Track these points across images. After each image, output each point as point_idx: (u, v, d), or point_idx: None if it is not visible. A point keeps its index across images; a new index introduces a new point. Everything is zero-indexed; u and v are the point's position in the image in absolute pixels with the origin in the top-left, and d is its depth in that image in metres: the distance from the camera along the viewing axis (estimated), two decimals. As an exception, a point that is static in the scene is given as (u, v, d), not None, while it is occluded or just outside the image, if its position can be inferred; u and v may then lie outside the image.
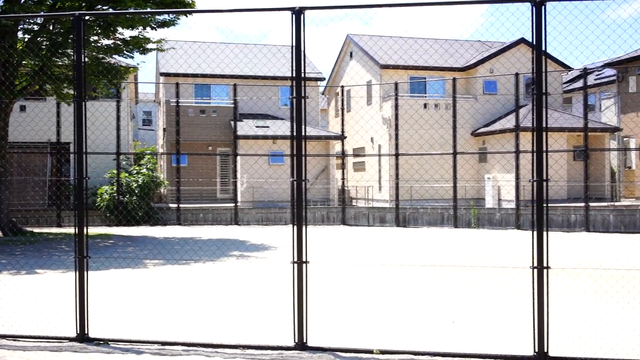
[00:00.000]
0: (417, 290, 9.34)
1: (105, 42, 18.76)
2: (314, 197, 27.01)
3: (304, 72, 6.04)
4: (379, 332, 6.82)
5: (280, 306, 8.06)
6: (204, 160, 28.17)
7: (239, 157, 26.14)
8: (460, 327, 7.04)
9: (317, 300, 8.34)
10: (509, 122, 26.79)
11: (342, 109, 25.85)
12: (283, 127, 27.07)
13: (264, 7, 6.24)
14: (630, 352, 5.96)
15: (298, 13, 5.95)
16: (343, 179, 24.96)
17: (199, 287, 9.84)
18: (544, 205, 5.72)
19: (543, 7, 5.65)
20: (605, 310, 7.95)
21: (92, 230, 20.66)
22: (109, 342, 6.24)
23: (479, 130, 28.83)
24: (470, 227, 22.49)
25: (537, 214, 5.74)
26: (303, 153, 6.01)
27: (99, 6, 17.78)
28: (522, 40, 28.53)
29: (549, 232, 5.80)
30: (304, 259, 5.97)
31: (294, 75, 5.99)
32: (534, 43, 5.75)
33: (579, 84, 33.31)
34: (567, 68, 30.12)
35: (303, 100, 6.01)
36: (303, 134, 6.02)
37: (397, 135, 24.32)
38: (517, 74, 23.52)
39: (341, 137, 25.97)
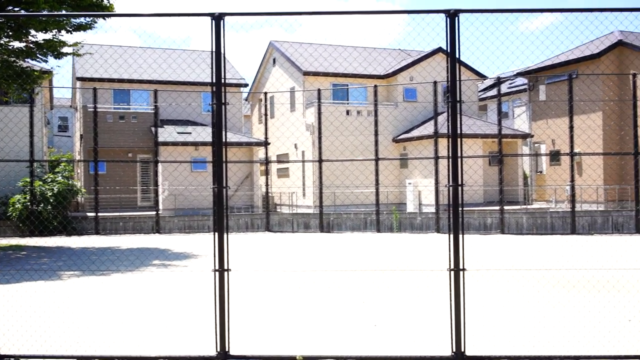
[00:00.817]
0: (340, 295, 9.43)
1: (17, 44, 17.90)
2: (237, 204, 26.78)
3: (225, 78, 6.00)
4: (302, 339, 6.84)
5: (202, 315, 7.94)
6: (123, 167, 27.39)
7: (160, 164, 25.59)
8: (382, 330, 7.16)
9: (239, 308, 8.27)
10: (427, 128, 27.56)
11: (266, 116, 25.78)
12: (204, 134, 26.72)
13: (184, 12, 6.16)
14: (541, 348, 6.24)
15: (218, 19, 5.90)
16: (267, 185, 24.90)
17: (118, 298, 9.54)
18: (460, 209, 5.91)
19: (456, 18, 5.85)
20: (518, 309, 8.29)
21: (3, 242, 19.65)
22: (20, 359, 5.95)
23: (400, 137, 29.49)
24: (392, 231, 22.94)
25: (453, 217, 5.93)
26: (224, 159, 5.96)
27: (10, 7, 16.97)
28: (440, 50, 29.45)
29: (466, 235, 6.00)
30: (225, 267, 5.90)
31: (214, 81, 5.94)
32: (449, 52, 5.96)
33: (494, 92, 34.70)
34: (482, 77, 31.33)
35: (223, 107, 5.97)
36: (224, 140, 5.97)
37: (320, 141, 24.51)
38: (435, 82, 24.23)
39: (265, 144, 25.91)
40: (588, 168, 27.20)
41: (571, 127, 22.10)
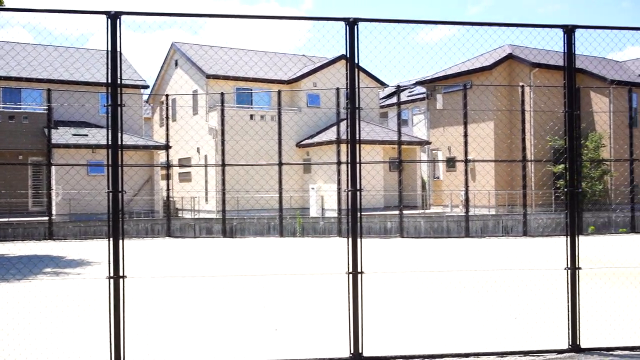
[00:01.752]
0: (241, 300, 9.37)
1: None
2: (136, 209, 25.98)
3: (121, 79, 5.81)
4: (200, 346, 6.73)
5: (94, 325, 7.63)
6: (12, 170, 25.85)
7: (53, 167, 24.36)
8: (283, 334, 7.18)
9: (137, 316, 8.03)
10: (330, 134, 27.98)
11: (167, 118, 25.16)
12: (99, 136, 25.71)
13: (79, 9, 5.91)
14: (435, 347, 6.48)
15: (114, 18, 5.72)
16: (168, 189, 24.31)
17: (5, 309, 8.98)
18: (358, 213, 6.05)
19: (356, 26, 6.00)
20: (414, 309, 8.58)
21: None
22: None
23: (304, 142, 29.74)
24: (295, 236, 23.06)
25: (352, 221, 6.06)
26: (119, 163, 5.77)
27: None
28: (343, 57, 29.99)
29: (367, 239, 6.15)
30: (120, 274, 5.71)
31: (110, 81, 5.75)
32: (348, 60, 6.09)
33: (394, 100, 35.75)
34: (383, 85, 32.22)
35: (119, 108, 5.78)
36: (119, 143, 5.78)
37: (223, 145, 24.24)
38: (337, 89, 24.65)
39: (166, 147, 25.30)
40: (481, 174, 28.60)
41: (465, 135, 23.13)
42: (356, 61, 6.03)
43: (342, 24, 6.02)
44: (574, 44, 6.20)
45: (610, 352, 6.27)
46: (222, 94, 24.91)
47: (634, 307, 8.56)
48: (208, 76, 29.05)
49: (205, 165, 27.79)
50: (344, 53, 6.10)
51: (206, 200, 28.89)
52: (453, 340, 6.80)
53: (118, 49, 5.75)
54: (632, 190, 24.13)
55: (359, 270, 5.99)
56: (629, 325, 7.48)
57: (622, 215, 24.70)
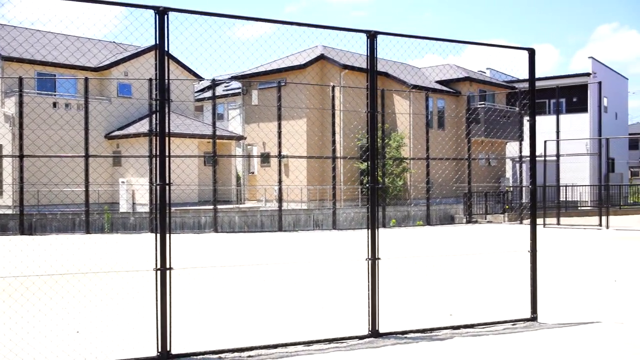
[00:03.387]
0: (42, 303, 8.66)
1: None
2: None
3: None
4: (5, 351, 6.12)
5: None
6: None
7: None
8: (84, 336, 6.78)
9: None
10: (143, 126, 26.95)
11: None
12: None
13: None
14: (242, 340, 6.54)
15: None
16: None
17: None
18: (167, 208, 5.90)
19: (166, 15, 5.82)
20: (222, 305, 8.58)
21: None
22: None
23: (114, 134, 28.32)
24: (103, 232, 21.87)
25: (160, 216, 5.89)
26: None
27: None
28: (156, 46, 29.01)
29: (181, 234, 6.02)
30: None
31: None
32: (158, 50, 5.90)
33: (210, 93, 35.46)
34: (199, 77, 31.77)
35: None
36: None
37: (21, 134, 22.15)
38: (150, 79, 23.81)
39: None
40: (294, 170, 29.46)
41: (279, 132, 23.63)
42: (166, 51, 5.86)
43: (152, 12, 5.82)
44: (376, 48, 6.62)
45: (405, 335, 6.81)
46: (20, 78, 22.81)
47: (428, 293, 9.39)
48: (5, 58, 26.43)
49: (1, 157, 25.28)
50: (156, 43, 5.90)
51: (1, 194, 26.31)
52: (262, 332, 6.92)
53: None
54: (428, 186, 26.44)
55: (168, 266, 5.85)
56: (423, 309, 8.19)
57: (419, 209, 26.95)
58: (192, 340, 6.55)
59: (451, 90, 33.89)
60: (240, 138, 30.94)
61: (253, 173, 33.35)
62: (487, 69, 44.08)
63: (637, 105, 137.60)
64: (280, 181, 23.82)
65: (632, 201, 40.61)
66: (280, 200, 23.67)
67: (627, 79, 47.10)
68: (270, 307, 8.33)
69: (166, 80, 5.85)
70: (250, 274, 11.00)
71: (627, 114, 47.33)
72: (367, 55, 6.64)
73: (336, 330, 6.96)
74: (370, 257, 6.73)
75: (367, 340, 6.64)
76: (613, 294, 9.27)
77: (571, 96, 39.44)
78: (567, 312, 8.01)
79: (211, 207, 23.01)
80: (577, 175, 35.03)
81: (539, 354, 6.13)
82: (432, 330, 7.00)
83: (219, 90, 37.17)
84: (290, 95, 29.13)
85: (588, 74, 38.45)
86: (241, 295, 9.15)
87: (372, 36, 6.60)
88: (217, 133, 24.68)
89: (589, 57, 39.21)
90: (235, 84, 35.93)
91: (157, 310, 5.77)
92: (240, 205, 28.11)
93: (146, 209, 23.64)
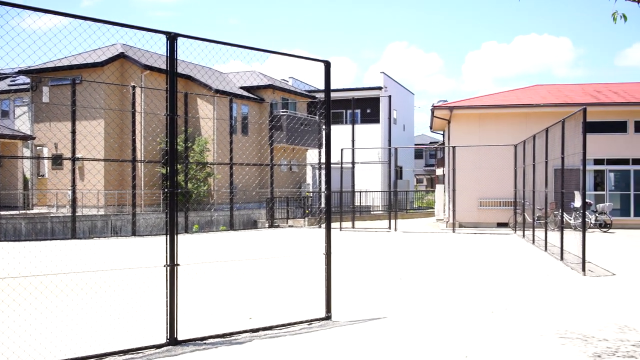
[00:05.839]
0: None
1: None
2: None
3: None
4: None
5: None
6: None
7: None
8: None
9: None
10: None
11: None
12: None
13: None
14: (28, 357, 5.99)
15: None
16: None
17: None
18: None
19: None
20: (8, 321, 7.80)
21: None
22: None
23: None
24: None
25: None
26: None
27: None
28: None
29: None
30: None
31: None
32: None
33: (-8, 88, 32.16)
34: (-21, 70, 28.59)
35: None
36: None
37: None
38: None
39: None
40: (90, 173, 27.78)
41: (73, 132, 22.10)
42: None
43: None
44: (177, 50, 6.49)
45: (204, 341, 6.75)
46: None
47: (229, 298, 9.41)
48: None
49: None
50: None
51: None
52: (50, 347, 6.40)
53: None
54: (232, 191, 26.56)
55: None
56: (224, 314, 8.18)
57: (223, 214, 26.96)
58: (-36, 363, 5.84)
59: (255, 96, 34.46)
60: (27, 138, 28.38)
61: (43, 176, 30.80)
62: (290, 77, 45.60)
63: (422, 118, 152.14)
64: (74, 185, 22.24)
65: (417, 206, 44.63)
66: (74, 205, 22.13)
67: (413, 94, 51.78)
68: (59, 320, 7.73)
69: None
70: (37, 284, 10.12)
71: (413, 126, 52.04)
72: (167, 57, 6.49)
73: (133, 340, 6.67)
74: (169, 263, 6.56)
75: (164, 348, 6.46)
76: (398, 291, 10.09)
77: (365, 107, 42.32)
78: (359, 310, 8.55)
79: (-8, 213, 20.83)
80: (370, 182, 37.67)
81: (332, 350, 6.45)
82: (231, 334, 7.03)
83: (3, 85, 33.84)
84: (87, 94, 27.44)
85: (380, 88, 41.54)
86: (25, 309, 8.37)
87: (172, 38, 6.46)
88: (1, 132, 22.39)
89: (381, 72, 42.40)
90: (24, 79, 32.94)
91: None
92: (28, 211, 25.77)
93: None
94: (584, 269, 11.97)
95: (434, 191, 36.80)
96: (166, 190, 6.68)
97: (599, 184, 24.59)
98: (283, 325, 7.49)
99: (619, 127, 24.45)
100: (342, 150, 26.40)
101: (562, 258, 13.83)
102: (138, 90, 27.82)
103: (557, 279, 11.51)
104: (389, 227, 24.70)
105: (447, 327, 7.49)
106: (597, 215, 22.29)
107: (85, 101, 27.02)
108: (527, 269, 12.87)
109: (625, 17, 6.34)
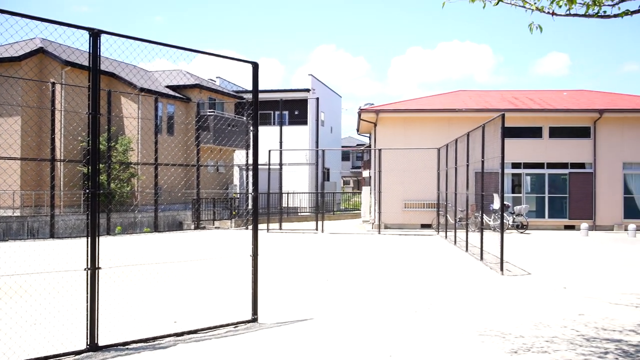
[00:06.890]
0: None
1: None
2: None
3: None
4: None
5: None
6: None
7: None
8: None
9: None
10: None
11: None
12: None
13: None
14: None
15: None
16: None
17: None
18: None
19: None
20: None
21: None
22: None
23: None
24: None
25: None
26: None
27: None
28: None
29: None
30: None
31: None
32: None
33: None
34: None
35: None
36: None
37: None
38: None
39: None
40: (5, 173, 26.50)
41: (-12, 129, 21.05)
42: None
43: None
44: (100, 47, 6.30)
45: (127, 347, 6.57)
46: None
47: (153, 301, 9.20)
48: None
49: None
50: None
51: None
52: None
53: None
54: (156, 192, 25.98)
55: None
56: (148, 318, 8.00)
57: (147, 216, 26.33)
58: None
59: (181, 96, 33.86)
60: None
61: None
62: (217, 77, 45.09)
63: (349, 121, 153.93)
64: (-13, 185, 21.20)
65: (344, 207, 45.11)
66: (-13, 206, 21.06)
67: (340, 96, 52.32)
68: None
69: None
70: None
71: (340, 129, 52.56)
72: (89, 54, 6.29)
73: (51, 347, 6.42)
74: (89, 266, 6.36)
75: (84, 355, 6.25)
76: (325, 293, 10.17)
77: (293, 109, 42.41)
78: (285, 312, 8.55)
79: None
80: (298, 183, 37.76)
81: (258, 352, 6.43)
82: (155, 339, 6.88)
83: None
84: (3, 89, 26.16)
85: (308, 90, 41.74)
86: None
87: (95, 34, 6.27)
88: None
89: (309, 75, 42.61)
90: None
91: None
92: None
93: None
94: (502, 269, 12.46)
95: (361, 193, 37.33)
96: (87, 190, 6.47)
97: (516, 187, 25.67)
98: (209, 328, 7.40)
99: (535, 132, 25.62)
100: (269, 151, 26.35)
101: (482, 258, 14.33)
102: (58, 87, 26.77)
103: (477, 278, 11.92)
104: (316, 229, 24.85)
105: (372, 327, 7.61)
106: (514, 217, 23.26)
107: (1, 97, 25.78)
108: (449, 269, 13.26)
109: (541, 28, 6.67)
